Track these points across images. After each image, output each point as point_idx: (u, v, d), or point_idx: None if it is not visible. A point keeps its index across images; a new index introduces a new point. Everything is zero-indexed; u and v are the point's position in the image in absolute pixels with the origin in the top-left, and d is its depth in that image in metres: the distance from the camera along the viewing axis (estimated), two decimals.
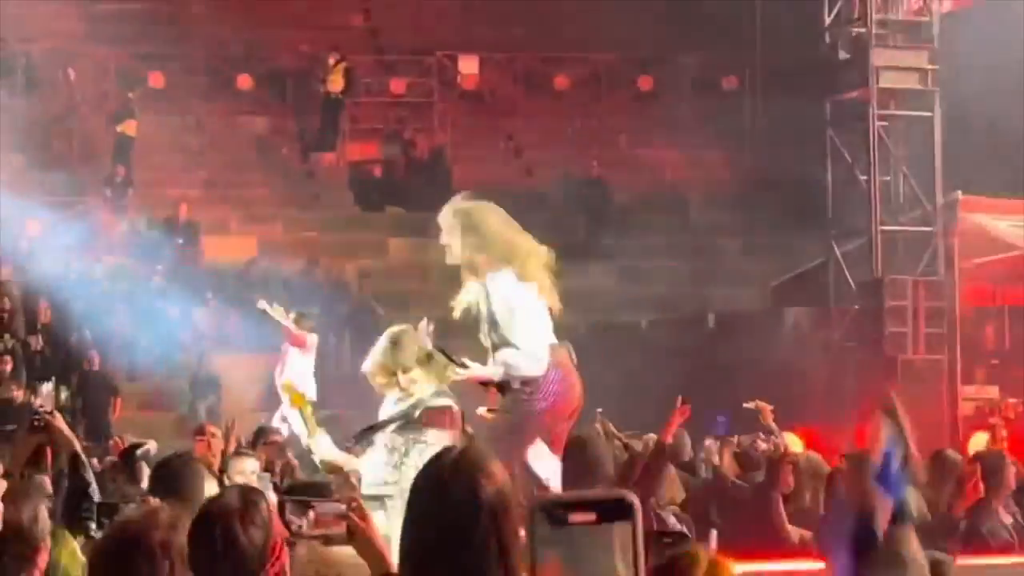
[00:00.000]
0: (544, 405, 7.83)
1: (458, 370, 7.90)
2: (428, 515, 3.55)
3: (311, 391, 16.31)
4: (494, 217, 8.00)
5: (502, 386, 7.92)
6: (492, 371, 7.88)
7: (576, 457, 10.09)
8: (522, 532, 3.49)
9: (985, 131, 20.83)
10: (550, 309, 8.00)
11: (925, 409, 19.62)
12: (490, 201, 8.11)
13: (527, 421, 7.82)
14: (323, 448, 8.19)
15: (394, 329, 8.05)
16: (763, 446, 13.51)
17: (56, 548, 5.59)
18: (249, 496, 4.42)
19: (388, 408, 8.02)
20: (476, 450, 3.61)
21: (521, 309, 7.81)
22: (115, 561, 4.27)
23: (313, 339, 17.47)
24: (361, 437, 7.87)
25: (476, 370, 7.91)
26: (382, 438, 7.74)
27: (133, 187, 24.93)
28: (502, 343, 7.82)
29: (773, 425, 14.24)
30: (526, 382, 7.85)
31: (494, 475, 3.47)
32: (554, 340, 7.94)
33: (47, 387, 6.53)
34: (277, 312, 16.52)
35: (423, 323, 8.04)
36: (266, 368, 21.55)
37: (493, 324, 7.81)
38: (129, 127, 24.98)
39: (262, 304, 16.99)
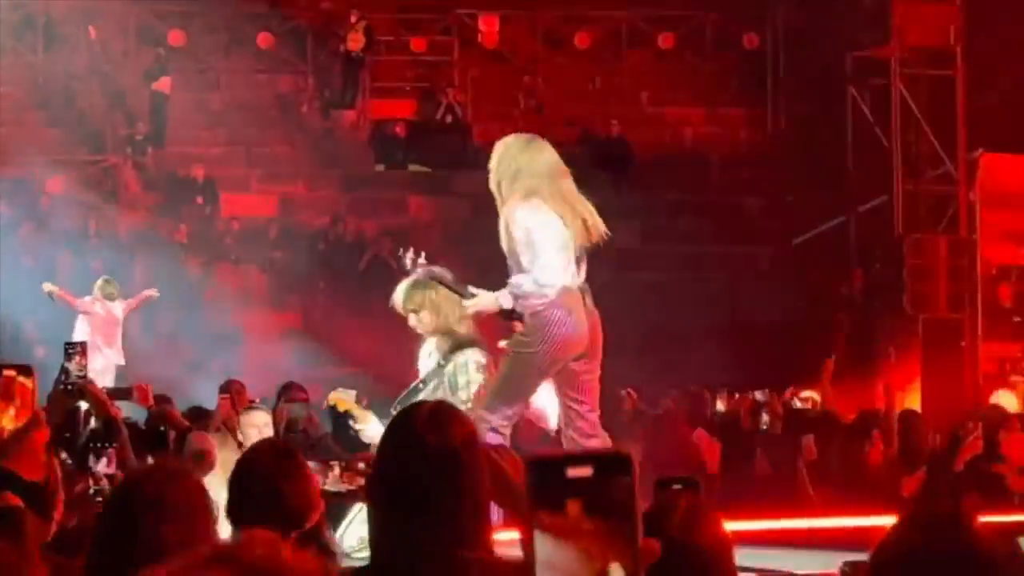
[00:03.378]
0: (544, 348, 7.82)
1: (464, 302, 7.96)
2: (401, 461, 3.60)
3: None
4: (527, 150, 8.09)
5: (518, 317, 7.92)
6: (500, 299, 7.90)
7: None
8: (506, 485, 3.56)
9: (1009, 88, 20.72)
10: (589, 234, 8.02)
11: (947, 367, 19.63)
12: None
13: (525, 361, 7.83)
14: (371, 432, 8.33)
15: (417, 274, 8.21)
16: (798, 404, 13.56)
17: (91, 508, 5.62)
18: (284, 449, 4.45)
19: (423, 362, 8.11)
20: (447, 405, 3.78)
21: (536, 235, 7.81)
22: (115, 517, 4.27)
23: (97, 306, 19.33)
24: (404, 401, 7.91)
25: (482, 300, 7.94)
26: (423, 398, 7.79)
27: (164, 145, 24.98)
28: (517, 270, 7.85)
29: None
30: (525, 331, 7.84)
31: (465, 428, 3.65)
32: (571, 281, 7.91)
33: (80, 351, 6.51)
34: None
35: (407, 256, 8.14)
36: (288, 326, 21.65)
37: (511, 253, 7.85)
38: (163, 84, 25.00)
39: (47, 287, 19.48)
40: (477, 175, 25.37)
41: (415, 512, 3.52)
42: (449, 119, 26.42)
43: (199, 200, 23.93)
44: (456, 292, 8.01)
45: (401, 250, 8.31)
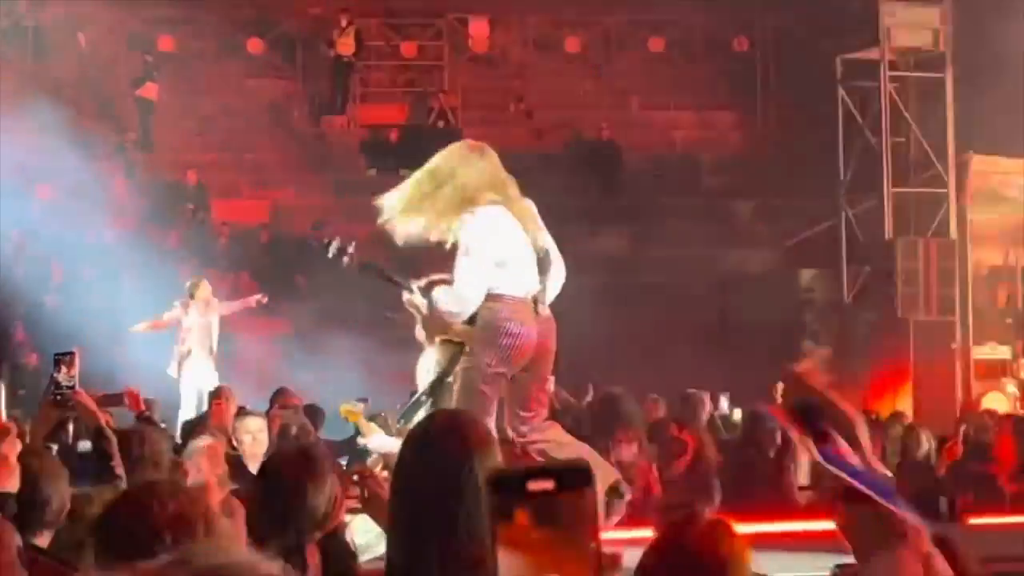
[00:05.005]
0: (491, 359, 7.75)
1: (405, 296, 7.93)
2: (420, 471, 3.64)
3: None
4: (486, 157, 8.04)
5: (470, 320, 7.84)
6: (420, 302, 7.88)
7: (608, 410, 10.11)
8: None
9: (997, 91, 20.75)
10: (537, 246, 7.92)
11: (937, 369, 19.66)
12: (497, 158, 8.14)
13: (475, 376, 7.77)
14: (376, 444, 8.31)
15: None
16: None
17: (90, 510, 5.62)
18: (310, 451, 4.51)
19: (421, 376, 8.07)
20: (463, 413, 3.77)
21: (475, 250, 7.69)
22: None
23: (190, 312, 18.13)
24: (408, 414, 7.89)
25: (416, 298, 7.91)
26: (425, 411, 7.76)
27: (153, 151, 24.97)
28: (450, 277, 7.79)
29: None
30: (473, 343, 7.76)
31: (483, 437, 3.71)
32: (522, 292, 7.83)
33: (70, 362, 6.47)
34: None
35: (333, 243, 8.15)
36: (279, 331, 21.64)
37: (453, 256, 7.78)
38: (149, 90, 25.00)
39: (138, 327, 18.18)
40: None
41: (432, 520, 3.55)
42: (441, 124, 26.44)
43: (190, 206, 23.93)
44: (393, 283, 7.97)
45: (326, 239, 8.26)
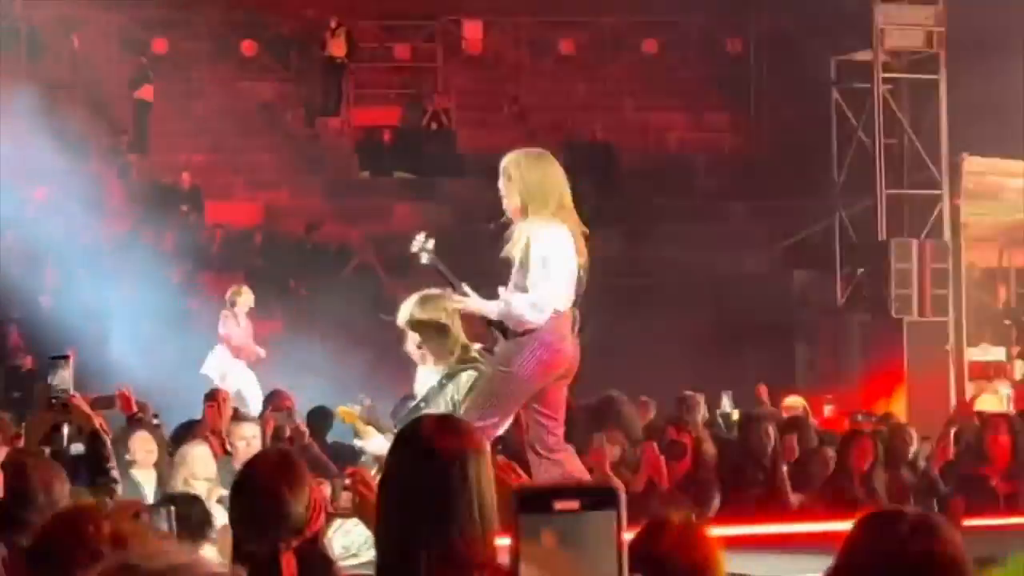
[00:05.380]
0: (526, 369, 7.78)
1: (457, 296, 7.93)
2: (410, 472, 3.66)
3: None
4: (552, 166, 8.09)
5: (504, 329, 7.89)
6: (491, 307, 7.87)
7: (604, 412, 10.13)
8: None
9: (991, 92, 20.77)
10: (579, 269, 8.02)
11: (931, 370, 19.67)
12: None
13: (505, 380, 7.79)
14: (374, 446, 8.31)
15: (427, 291, 8.16)
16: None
17: None
18: (288, 457, 4.47)
19: (420, 383, 8.07)
20: (453, 417, 3.81)
21: (553, 260, 7.79)
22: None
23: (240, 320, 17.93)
24: (406, 419, 7.89)
25: (474, 301, 7.91)
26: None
27: (148, 153, 24.97)
28: (518, 287, 7.81)
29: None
30: (509, 349, 7.78)
31: (473, 435, 3.74)
32: (566, 305, 7.92)
33: (65, 366, 6.46)
34: None
35: (420, 236, 8.11)
36: (272, 333, 21.62)
37: (521, 267, 7.80)
38: (146, 92, 25.00)
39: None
40: (462, 182, 25.49)
41: (422, 520, 3.56)
42: (434, 126, 26.44)
43: (183, 208, 23.91)
44: (451, 284, 8.00)
45: (415, 237, 8.23)
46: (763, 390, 16.22)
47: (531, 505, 2.01)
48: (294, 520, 4.30)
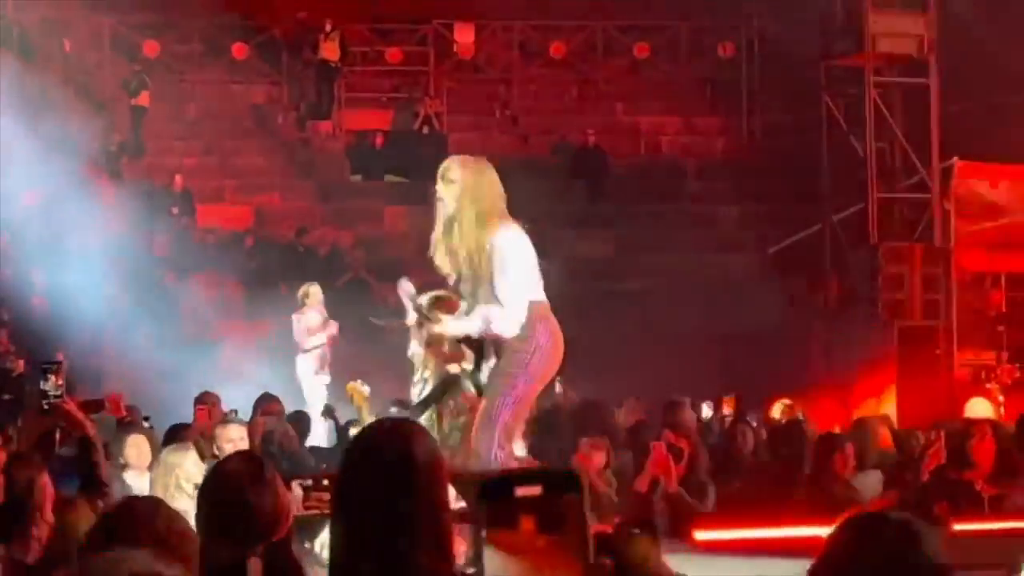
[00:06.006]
0: (537, 368, 7.78)
1: (434, 327, 7.88)
2: (363, 476, 3.65)
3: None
4: (489, 172, 7.98)
5: (479, 347, 7.86)
6: (469, 326, 7.84)
7: (588, 417, 10.13)
8: (459, 500, 3.60)
9: (981, 97, 20.80)
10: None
11: (922, 375, 19.68)
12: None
13: (519, 384, 7.77)
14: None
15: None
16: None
17: (75, 516, 5.62)
18: (255, 461, 4.44)
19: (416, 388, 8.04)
20: (409, 423, 3.87)
21: (518, 268, 7.74)
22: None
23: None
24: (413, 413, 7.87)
25: (451, 325, 7.87)
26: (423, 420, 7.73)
27: (143, 156, 24.97)
28: (486, 300, 7.76)
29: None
30: (515, 348, 7.77)
31: (425, 440, 3.69)
32: (540, 294, 7.85)
33: (57, 371, 6.43)
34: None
35: (404, 282, 8.05)
36: (263, 336, 21.60)
37: (488, 278, 7.73)
38: (143, 99, 25.03)
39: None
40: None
41: (373, 525, 3.55)
42: (426, 130, 26.44)
43: (174, 211, 23.89)
44: (426, 317, 7.92)
45: (404, 279, 8.13)
46: (730, 401, 16.22)
47: (493, 492, 2.02)
48: (261, 525, 4.27)
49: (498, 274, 7.69)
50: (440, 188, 7.84)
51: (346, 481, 3.72)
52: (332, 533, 3.71)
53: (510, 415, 7.67)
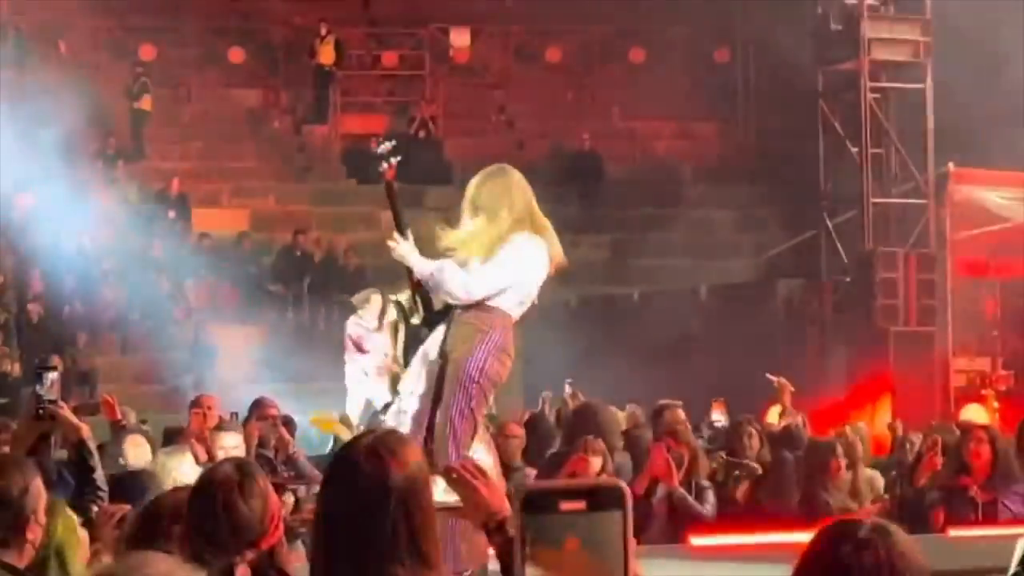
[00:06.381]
0: (475, 367, 7.68)
1: (397, 237, 7.85)
2: (340, 498, 3.59)
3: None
4: (522, 181, 7.97)
5: (426, 300, 7.77)
6: (423, 264, 7.79)
7: (584, 421, 10.11)
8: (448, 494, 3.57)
9: (977, 103, 20.80)
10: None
11: (917, 380, 19.69)
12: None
13: (471, 390, 7.72)
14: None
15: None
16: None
17: (53, 520, 5.60)
18: (245, 467, 4.43)
19: (407, 387, 8.01)
20: (391, 436, 3.71)
21: (515, 268, 7.69)
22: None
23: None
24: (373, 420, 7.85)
25: (408, 249, 7.83)
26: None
27: (142, 161, 24.99)
28: (463, 265, 7.71)
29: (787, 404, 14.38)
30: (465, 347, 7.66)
31: (406, 461, 3.57)
32: (516, 314, 7.80)
33: (52, 375, 6.42)
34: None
35: (388, 143, 7.99)
36: (258, 340, 21.61)
37: (481, 260, 7.69)
38: (145, 102, 25.06)
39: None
40: (449, 189, 25.43)
41: (355, 555, 3.50)
42: (422, 134, 26.44)
43: (171, 214, 23.89)
44: (396, 217, 7.92)
45: (383, 142, 8.10)
46: (720, 405, 16.17)
47: (536, 506, 2.01)
48: (249, 532, 4.25)
49: (495, 260, 7.66)
50: (478, 193, 7.87)
51: (324, 499, 3.66)
52: (311, 548, 3.66)
53: (461, 424, 7.61)
